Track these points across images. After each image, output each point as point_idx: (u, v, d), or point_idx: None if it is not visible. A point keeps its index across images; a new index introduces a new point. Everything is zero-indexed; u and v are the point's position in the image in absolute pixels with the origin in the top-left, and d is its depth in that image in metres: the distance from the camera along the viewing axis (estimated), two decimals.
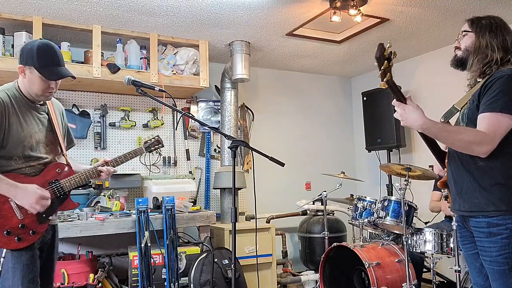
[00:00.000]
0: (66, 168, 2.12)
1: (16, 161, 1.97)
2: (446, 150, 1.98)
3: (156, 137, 2.54)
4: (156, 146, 2.51)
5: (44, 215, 2.00)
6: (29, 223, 1.96)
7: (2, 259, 1.90)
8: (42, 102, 2.11)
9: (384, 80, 1.63)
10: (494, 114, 1.68)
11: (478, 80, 1.86)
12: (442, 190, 3.34)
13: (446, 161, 1.96)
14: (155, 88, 2.27)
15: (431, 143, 1.94)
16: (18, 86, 2.03)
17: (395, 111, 1.76)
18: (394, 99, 1.74)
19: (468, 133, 1.71)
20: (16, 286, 1.91)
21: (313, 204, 4.64)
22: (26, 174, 2.00)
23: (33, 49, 1.97)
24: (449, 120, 1.94)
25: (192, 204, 3.94)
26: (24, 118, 2.01)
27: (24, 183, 1.94)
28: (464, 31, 1.92)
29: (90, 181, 3.27)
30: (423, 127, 1.70)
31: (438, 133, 1.72)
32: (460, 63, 1.93)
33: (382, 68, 1.60)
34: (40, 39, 2.05)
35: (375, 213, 3.48)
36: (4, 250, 1.91)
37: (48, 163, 2.09)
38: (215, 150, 4.73)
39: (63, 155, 2.20)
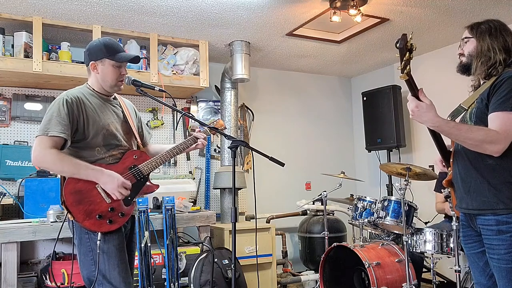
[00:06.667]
0: (142, 154, 2.25)
1: (99, 151, 2.11)
2: (451, 149, 1.99)
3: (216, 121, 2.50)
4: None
5: (129, 198, 2.13)
6: (117, 206, 2.09)
7: (98, 242, 2.01)
8: (114, 96, 2.26)
9: (405, 72, 1.64)
10: (506, 113, 1.71)
11: (483, 81, 1.90)
12: (443, 190, 3.35)
13: (451, 160, 1.97)
14: (155, 88, 2.30)
15: (439, 141, 1.97)
16: (89, 86, 2.19)
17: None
18: (410, 94, 1.76)
19: (480, 132, 1.73)
20: (113, 269, 2.03)
21: (313, 204, 4.64)
22: (108, 163, 2.12)
23: (99, 44, 2.16)
24: (456, 119, 1.97)
25: (192, 204, 3.94)
26: (101, 110, 2.15)
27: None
28: (465, 37, 1.96)
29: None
30: (435, 125, 1.74)
31: (449, 131, 1.75)
32: (465, 69, 1.97)
33: (404, 59, 1.61)
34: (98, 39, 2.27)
35: (375, 213, 3.48)
36: (99, 233, 2.02)
37: (126, 152, 2.21)
38: (215, 150, 4.73)
39: (138, 144, 2.32)
